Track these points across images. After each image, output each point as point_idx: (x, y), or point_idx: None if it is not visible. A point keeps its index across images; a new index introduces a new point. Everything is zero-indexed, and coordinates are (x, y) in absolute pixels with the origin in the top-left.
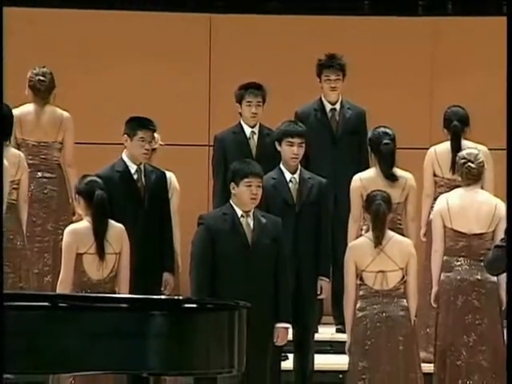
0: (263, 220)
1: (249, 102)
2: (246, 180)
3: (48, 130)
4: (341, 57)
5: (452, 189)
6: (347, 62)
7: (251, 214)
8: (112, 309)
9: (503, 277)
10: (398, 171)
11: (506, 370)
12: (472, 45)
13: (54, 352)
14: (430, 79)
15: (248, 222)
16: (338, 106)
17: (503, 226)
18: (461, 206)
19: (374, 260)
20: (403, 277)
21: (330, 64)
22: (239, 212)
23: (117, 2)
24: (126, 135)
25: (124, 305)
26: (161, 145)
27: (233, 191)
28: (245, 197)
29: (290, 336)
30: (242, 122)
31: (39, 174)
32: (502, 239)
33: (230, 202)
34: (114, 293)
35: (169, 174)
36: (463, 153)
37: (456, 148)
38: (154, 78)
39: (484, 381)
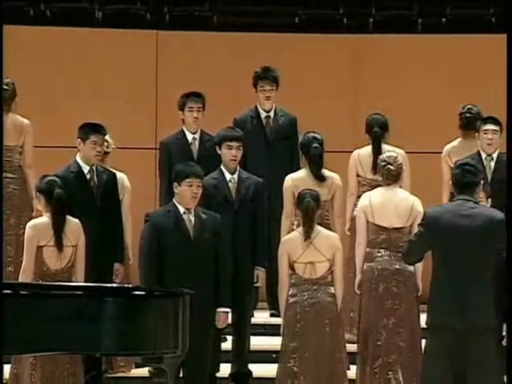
0: (203, 216)
1: (190, 107)
2: (187, 180)
3: (11, 135)
4: (274, 69)
5: (373, 188)
6: (280, 74)
7: (192, 210)
8: (70, 296)
9: (418, 266)
10: (325, 172)
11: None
12: (390, 60)
13: (18, 335)
14: (354, 90)
15: (190, 219)
16: (271, 114)
17: (419, 221)
18: (382, 203)
19: (304, 252)
20: (330, 267)
21: (265, 76)
22: (181, 209)
23: (76, 21)
24: (79, 139)
25: (80, 292)
26: (113, 148)
27: (175, 190)
28: (186, 195)
29: (230, 319)
30: (185, 129)
31: (3, 174)
32: (415, 234)
33: (174, 200)
34: (71, 281)
35: (121, 175)
36: (384, 156)
37: (377, 151)
38: (107, 88)
39: (401, 359)
